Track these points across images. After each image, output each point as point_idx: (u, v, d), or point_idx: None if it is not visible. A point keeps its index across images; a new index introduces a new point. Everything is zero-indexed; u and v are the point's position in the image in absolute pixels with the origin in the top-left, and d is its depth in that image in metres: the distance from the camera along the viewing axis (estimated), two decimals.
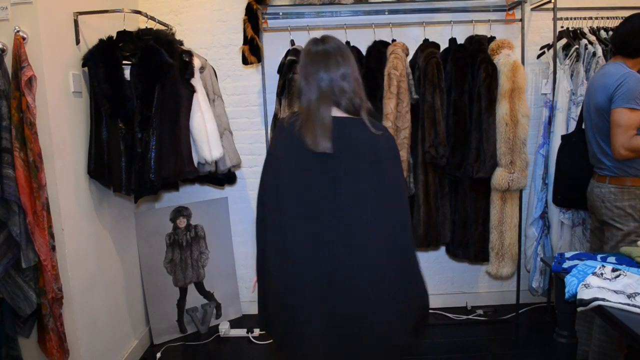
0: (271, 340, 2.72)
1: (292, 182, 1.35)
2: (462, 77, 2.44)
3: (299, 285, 1.33)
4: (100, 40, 2.05)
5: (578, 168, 2.32)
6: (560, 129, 2.54)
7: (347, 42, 2.61)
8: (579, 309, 1.37)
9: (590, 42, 2.52)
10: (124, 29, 2.16)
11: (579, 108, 2.46)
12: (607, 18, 2.69)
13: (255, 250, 1.49)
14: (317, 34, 2.75)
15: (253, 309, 3.10)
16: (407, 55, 2.49)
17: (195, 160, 2.29)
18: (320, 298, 1.32)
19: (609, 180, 2.05)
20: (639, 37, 1.96)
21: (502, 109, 2.36)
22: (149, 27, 2.26)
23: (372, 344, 1.34)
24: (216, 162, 2.43)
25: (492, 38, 2.52)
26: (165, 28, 2.51)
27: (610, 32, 2.58)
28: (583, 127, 2.26)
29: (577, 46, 2.55)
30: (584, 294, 1.37)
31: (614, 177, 2.03)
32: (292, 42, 2.63)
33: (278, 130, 1.48)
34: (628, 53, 2.02)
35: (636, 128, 1.92)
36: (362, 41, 2.60)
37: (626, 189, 2.00)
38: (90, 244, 2.15)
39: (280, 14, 2.73)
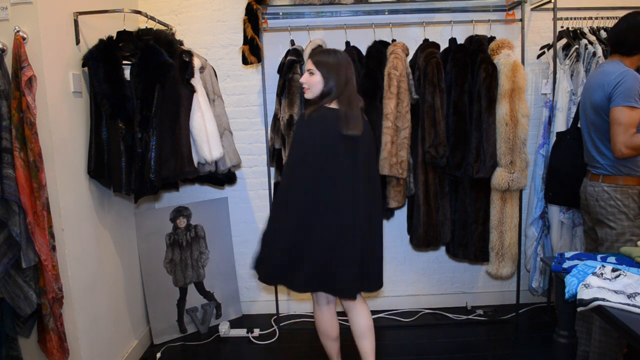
0: (271, 341, 2.73)
1: (335, 158, 1.82)
2: (462, 77, 2.44)
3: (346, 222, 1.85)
4: (100, 40, 2.05)
5: (570, 165, 2.32)
6: (560, 129, 2.54)
7: (347, 42, 2.62)
8: (579, 309, 1.37)
9: (590, 42, 2.52)
10: (124, 29, 2.16)
11: None
12: (607, 18, 2.69)
13: (255, 250, 1.52)
14: (317, 34, 2.80)
15: (253, 309, 3.10)
16: (407, 55, 2.49)
17: (195, 160, 2.29)
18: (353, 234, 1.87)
19: (602, 178, 2.05)
20: (634, 36, 1.96)
21: (502, 109, 2.36)
22: (149, 27, 2.26)
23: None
24: (216, 162, 2.43)
25: (492, 38, 2.52)
26: (165, 28, 2.51)
27: None
28: (579, 125, 2.26)
29: (577, 46, 2.56)
30: (584, 294, 1.37)
31: (607, 175, 2.04)
32: (292, 42, 2.63)
33: (308, 121, 1.84)
34: (624, 51, 2.02)
35: (636, 126, 1.92)
36: (362, 41, 2.60)
37: (619, 188, 2.00)
38: (90, 244, 2.15)
39: (280, 14, 2.73)
